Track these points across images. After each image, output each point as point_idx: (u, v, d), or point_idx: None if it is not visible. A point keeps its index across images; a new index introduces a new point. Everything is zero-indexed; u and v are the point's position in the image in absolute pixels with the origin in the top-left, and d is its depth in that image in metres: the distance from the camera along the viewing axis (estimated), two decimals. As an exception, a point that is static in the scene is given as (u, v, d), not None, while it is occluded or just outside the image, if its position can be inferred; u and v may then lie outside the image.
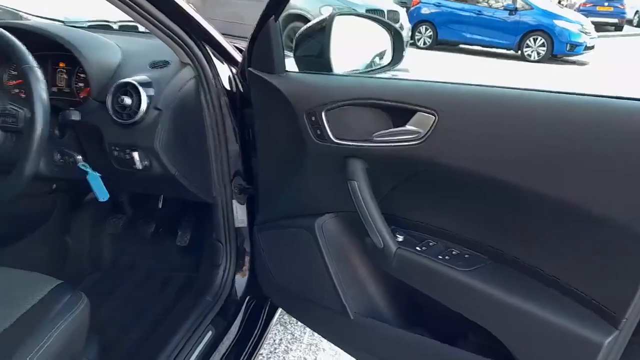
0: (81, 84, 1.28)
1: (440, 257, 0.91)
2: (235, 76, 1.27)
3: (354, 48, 1.22)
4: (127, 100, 1.14)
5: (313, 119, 0.98)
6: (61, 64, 1.29)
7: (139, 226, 1.78)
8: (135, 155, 1.17)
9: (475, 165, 0.81)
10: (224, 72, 1.24)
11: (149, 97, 1.15)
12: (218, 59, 1.23)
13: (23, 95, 1.30)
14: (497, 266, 0.88)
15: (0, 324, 0.90)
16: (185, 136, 1.22)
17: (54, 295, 0.98)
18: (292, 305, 1.33)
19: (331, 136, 0.97)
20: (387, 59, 1.27)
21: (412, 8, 10.28)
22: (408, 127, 0.87)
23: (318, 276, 1.12)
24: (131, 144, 1.17)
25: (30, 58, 1.00)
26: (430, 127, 0.84)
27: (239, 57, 1.28)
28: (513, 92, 0.81)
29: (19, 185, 0.99)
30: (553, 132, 0.74)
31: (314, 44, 1.16)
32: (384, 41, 1.23)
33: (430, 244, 0.95)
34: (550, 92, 0.78)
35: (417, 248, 0.94)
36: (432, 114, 0.84)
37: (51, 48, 1.21)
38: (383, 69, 1.23)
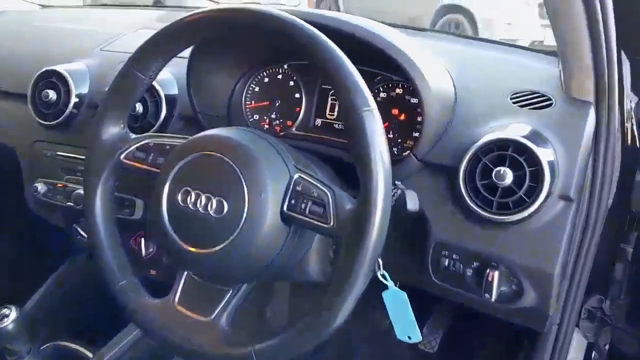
0: None
1: None
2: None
3: None
4: (508, 176, 0.61)
5: None
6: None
7: None
8: (495, 276, 0.64)
9: None
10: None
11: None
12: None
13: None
14: None
15: None
16: None
17: None
18: None
19: None
20: None
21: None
22: None
23: None
24: (487, 256, 0.66)
25: (370, 97, 0.54)
26: None
27: None
28: None
29: (334, 323, 0.54)
30: None
31: None
32: None
33: None
34: None
35: None
36: None
37: (371, 62, 0.75)
38: None
